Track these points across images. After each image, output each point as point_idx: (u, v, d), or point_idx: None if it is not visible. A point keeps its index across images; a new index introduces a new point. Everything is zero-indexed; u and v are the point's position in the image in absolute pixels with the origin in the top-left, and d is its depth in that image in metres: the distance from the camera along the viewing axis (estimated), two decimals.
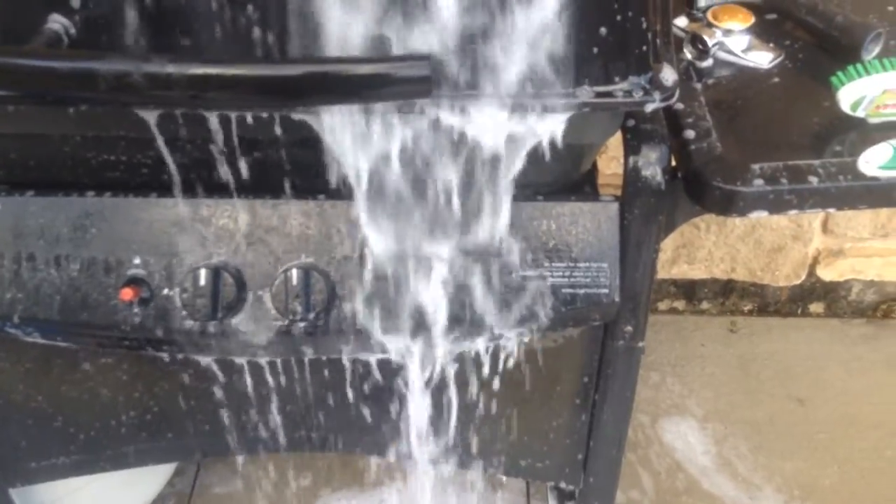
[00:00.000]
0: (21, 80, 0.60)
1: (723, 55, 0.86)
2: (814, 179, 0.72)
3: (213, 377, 0.89)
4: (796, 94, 0.82)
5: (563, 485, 1.07)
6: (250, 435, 0.96)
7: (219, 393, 0.90)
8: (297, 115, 0.69)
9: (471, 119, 0.69)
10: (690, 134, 0.76)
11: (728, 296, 1.69)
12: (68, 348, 0.85)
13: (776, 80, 0.84)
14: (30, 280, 0.78)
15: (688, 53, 0.86)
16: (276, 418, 0.93)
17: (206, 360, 0.86)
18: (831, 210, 0.75)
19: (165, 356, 0.84)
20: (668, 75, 0.69)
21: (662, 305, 1.70)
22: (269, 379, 0.89)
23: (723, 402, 1.54)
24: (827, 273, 1.64)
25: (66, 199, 0.78)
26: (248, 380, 0.89)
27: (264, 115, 0.69)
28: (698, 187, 0.74)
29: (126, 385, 0.90)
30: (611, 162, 1.43)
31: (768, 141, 0.78)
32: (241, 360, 0.87)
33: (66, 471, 0.98)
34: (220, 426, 0.94)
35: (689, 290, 1.68)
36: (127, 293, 0.76)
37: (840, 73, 0.77)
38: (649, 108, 0.67)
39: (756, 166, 0.73)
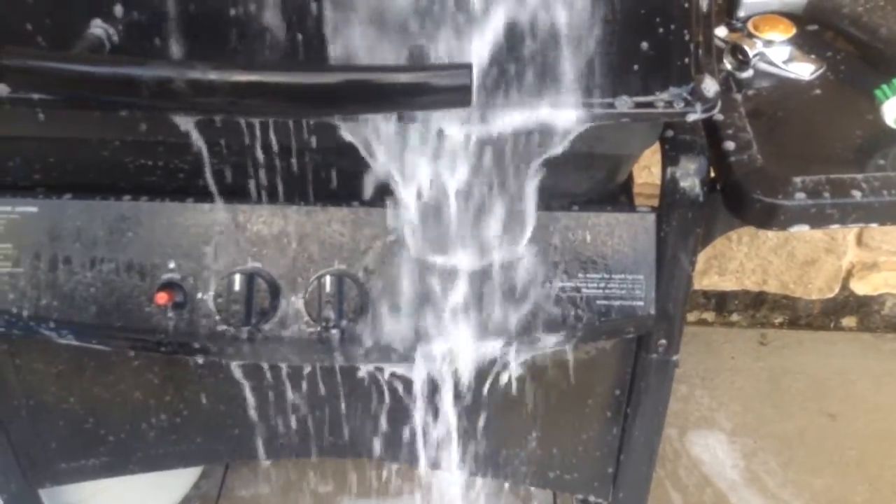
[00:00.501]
0: (64, 85, 0.60)
1: (763, 66, 0.85)
2: (857, 194, 0.71)
3: (243, 382, 0.89)
4: (838, 106, 0.81)
5: (591, 498, 1.06)
6: (278, 440, 0.96)
7: (249, 398, 0.90)
8: (334, 122, 0.68)
9: (509, 128, 0.68)
10: (730, 145, 0.75)
11: (759, 308, 1.67)
12: (101, 351, 0.85)
13: (818, 91, 0.83)
14: (66, 283, 0.78)
15: (728, 64, 0.85)
16: (304, 424, 0.93)
17: (237, 365, 0.86)
18: (874, 225, 0.73)
19: (198, 360, 0.84)
20: (710, 86, 0.68)
21: (692, 317, 1.68)
22: (300, 385, 0.89)
23: (752, 416, 1.53)
24: (860, 287, 1.62)
25: (102, 203, 0.78)
26: (279, 385, 0.89)
27: (302, 121, 0.69)
28: (738, 200, 0.73)
29: (157, 388, 0.91)
30: (642, 171, 1.42)
31: (810, 154, 0.76)
32: (272, 366, 0.87)
33: (95, 472, 0.99)
34: (250, 431, 0.94)
35: (720, 302, 1.66)
36: (162, 297, 0.76)
37: (884, 87, 0.76)
38: (691, 118, 0.66)
39: (798, 179, 0.71)
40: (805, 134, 0.79)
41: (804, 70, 0.85)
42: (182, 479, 1.27)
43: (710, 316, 1.69)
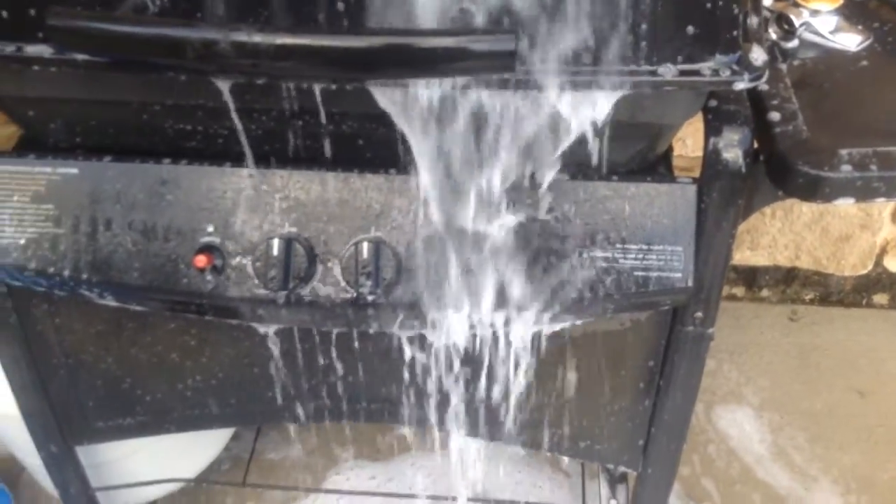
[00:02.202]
0: (109, 46, 0.60)
1: (809, 36, 0.83)
2: None
3: (278, 345, 0.89)
4: (885, 78, 0.79)
5: (621, 469, 1.06)
6: (312, 404, 0.97)
7: (283, 361, 0.91)
8: (371, 88, 0.68)
9: (549, 95, 0.68)
10: (775, 116, 0.74)
11: (790, 284, 1.65)
12: (139, 312, 0.86)
13: (864, 63, 0.81)
14: (106, 244, 0.79)
15: (773, 33, 0.83)
16: (338, 388, 0.94)
17: (272, 329, 0.87)
18: None
19: (234, 323, 0.85)
20: (758, 55, 0.67)
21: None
22: (334, 349, 0.89)
23: (780, 392, 1.52)
24: (894, 264, 1.60)
25: (142, 166, 0.79)
26: (313, 349, 0.90)
27: (343, 87, 0.69)
28: (782, 172, 0.72)
29: (193, 350, 0.92)
30: (676, 143, 1.40)
31: (856, 126, 0.75)
32: (307, 330, 0.87)
33: (131, 431, 1.00)
34: (284, 394, 0.95)
35: (750, 277, 1.65)
36: (200, 260, 0.76)
37: None
38: (738, 87, 0.65)
39: (844, 151, 0.70)
40: (851, 106, 0.77)
41: (851, 41, 0.83)
42: (214, 440, 1.29)
43: (739, 291, 1.68)
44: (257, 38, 0.57)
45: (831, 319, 1.65)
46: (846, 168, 0.69)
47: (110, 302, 0.83)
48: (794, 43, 0.83)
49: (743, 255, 1.60)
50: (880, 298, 1.66)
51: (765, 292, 1.67)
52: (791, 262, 1.61)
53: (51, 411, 0.97)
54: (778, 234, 1.56)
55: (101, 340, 0.91)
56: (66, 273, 0.80)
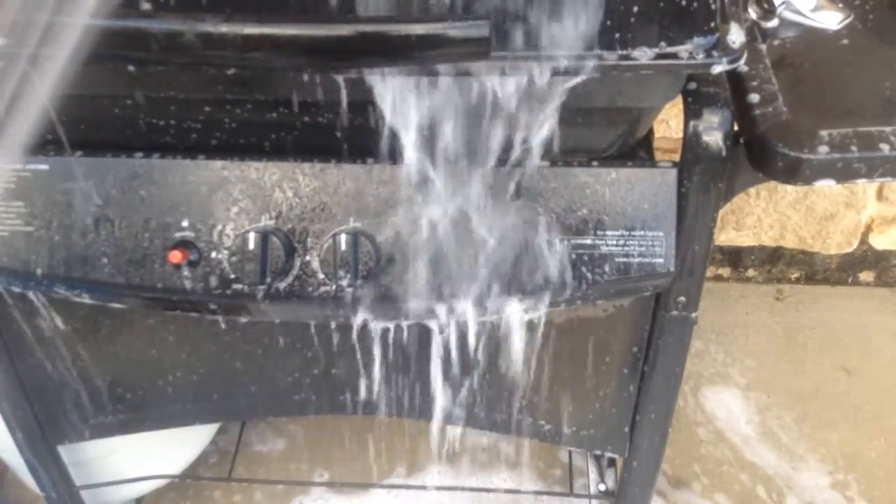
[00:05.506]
0: (71, 39, 0.58)
1: (789, 15, 0.82)
2: (885, 147, 0.69)
3: (258, 340, 0.88)
4: (867, 57, 0.79)
5: (607, 454, 1.06)
6: (295, 397, 0.96)
7: (264, 356, 0.90)
8: (349, 76, 0.67)
9: (526, 81, 0.67)
10: (755, 98, 0.73)
11: (775, 263, 1.65)
12: (116, 309, 0.85)
13: (845, 41, 0.80)
14: (78, 241, 0.78)
15: (752, 13, 0.82)
16: (320, 381, 0.93)
17: (252, 323, 0.86)
18: None
19: (212, 319, 0.84)
20: (736, 36, 0.66)
21: (707, 272, 1.67)
22: (315, 342, 0.89)
23: (767, 372, 1.52)
24: (879, 241, 1.60)
25: (114, 160, 0.77)
26: (294, 343, 0.89)
27: (316, 76, 0.67)
28: (762, 154, 0.71)
29: (173, 346, 0.91)
30: (659, 125, 1.39)
31: (837, 106, 0.74)
32: (287, 324, 0.86)
33: (113, 429, 1.00)
34: (266, 389, 0.94)
35: (735, 257, 1.65)
36: (175, 256, 0.75)
37: None
38: (716, 70, 0.64)
39: (824, 132, 0.69)
40: (832, 86, 0.76)
41: (831, 19, 0.82)
42: (200, 434, 1.28)
43: (725, 272, 1.68)
44: (224, 29, 0.56)
45: (817, 298, 1.65)
46: (825, 149, 0.68)
47: (85, 300, 0.81)
48: (773, 22, 0.82)
49: (728, 236, 1.60)
50: (866, 276, 1.67)
51: (750, 272, 1.67)
52: (776, 242, 1.61)
53: (31, 411, 0.95)
54: (763, 213, 1.56)
55: (78, 338, 0.90)
56: (40, 272, 0.78)
